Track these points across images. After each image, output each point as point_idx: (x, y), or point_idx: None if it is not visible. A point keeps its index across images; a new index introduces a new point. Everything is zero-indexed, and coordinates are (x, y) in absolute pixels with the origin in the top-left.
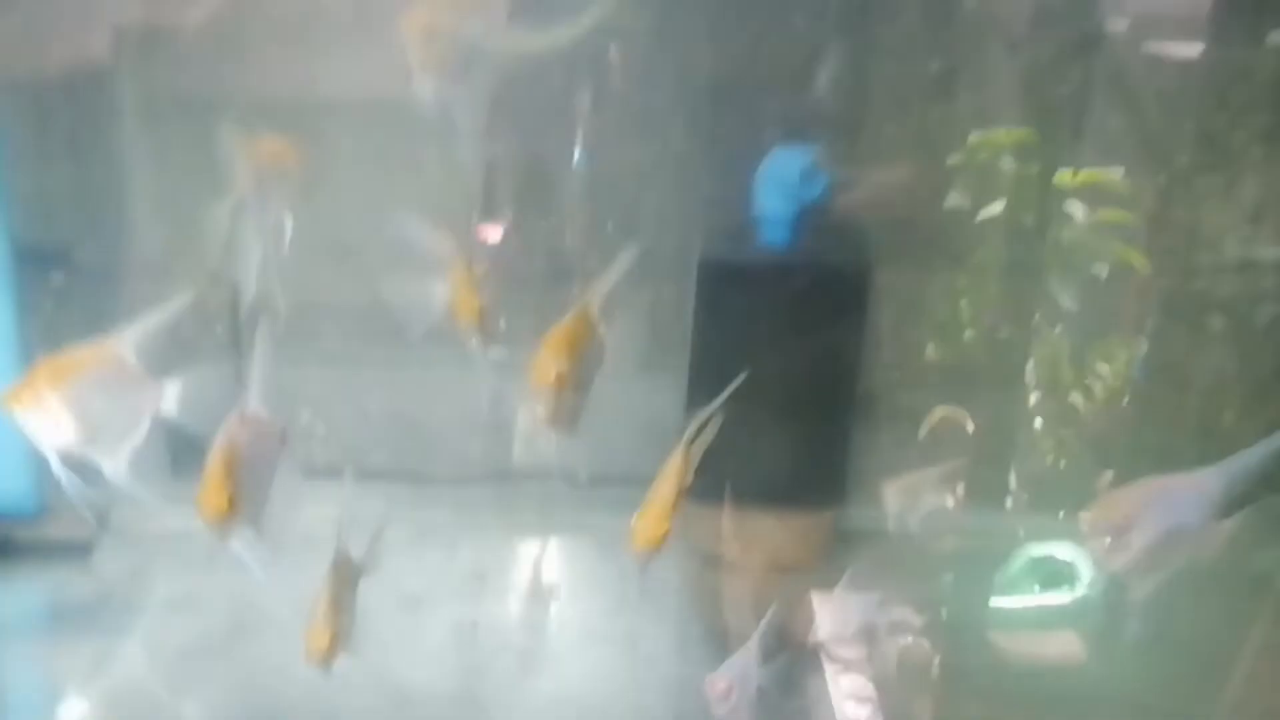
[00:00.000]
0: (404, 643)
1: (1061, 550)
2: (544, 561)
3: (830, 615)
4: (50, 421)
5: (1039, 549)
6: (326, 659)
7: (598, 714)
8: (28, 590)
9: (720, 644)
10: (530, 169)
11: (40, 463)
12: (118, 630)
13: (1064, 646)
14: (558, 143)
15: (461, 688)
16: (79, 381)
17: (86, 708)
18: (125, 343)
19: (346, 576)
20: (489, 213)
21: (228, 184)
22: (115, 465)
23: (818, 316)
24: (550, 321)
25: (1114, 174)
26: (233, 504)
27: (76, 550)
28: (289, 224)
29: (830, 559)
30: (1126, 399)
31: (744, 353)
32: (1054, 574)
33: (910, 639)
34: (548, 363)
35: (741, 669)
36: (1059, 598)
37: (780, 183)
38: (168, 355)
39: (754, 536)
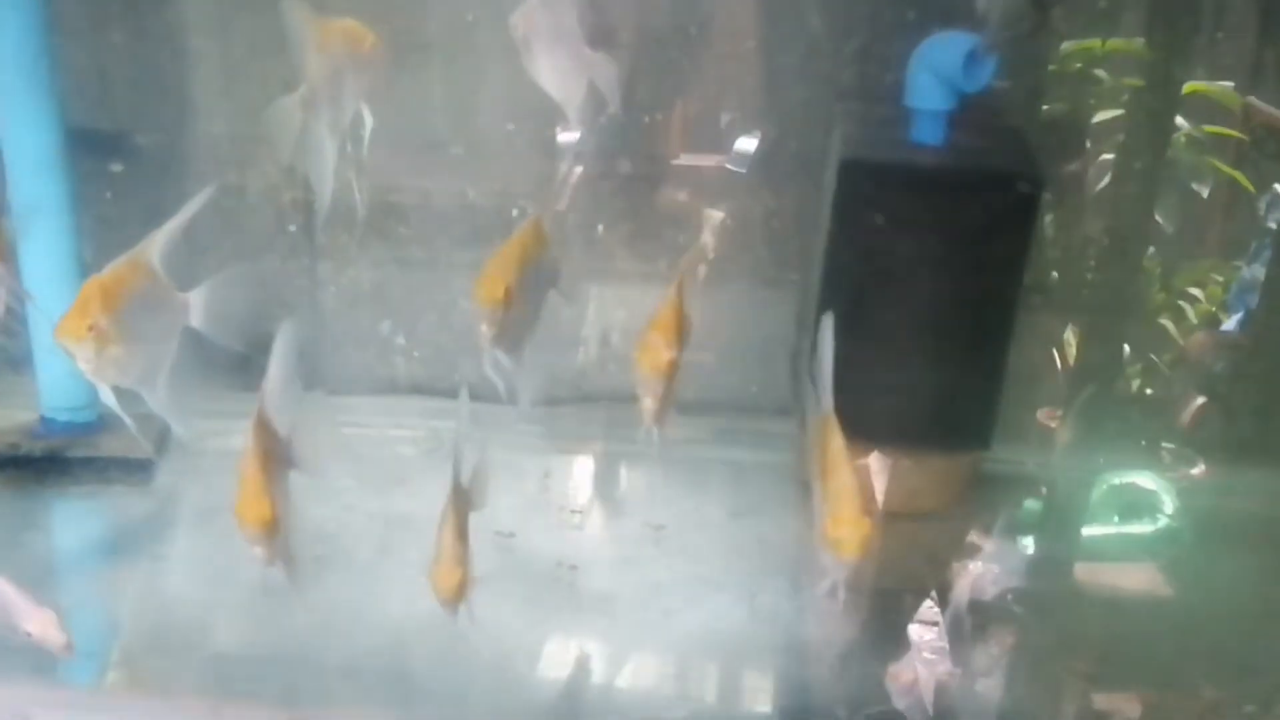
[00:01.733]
0: (495, 586)
1: (1144, 479)
2: (648, 498)
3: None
4: (102, 352)
5: (1121, 477)
6: (456, 599)
7: (718, 671)
8: (86, 509)
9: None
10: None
11: None
12: (177, 552)
13: (1144, 578)
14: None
15: (565, 641)
16: (126, 305)
17: (144, 629)
18: (153, 254)
19: (464, 507)
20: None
21: (298, 70)
22: (152, 389)
23: (975, 228)
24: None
25: (1224, 87)
26: None
27: (136, 467)
28: (368, 118)
29: (968, 505)
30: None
31: (885, 266)
32: (1136, 503)
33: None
34: (493, 280)
35: (928, 658)
36: (1140, 527)
37: (939, 70)
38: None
39: (888, 479)
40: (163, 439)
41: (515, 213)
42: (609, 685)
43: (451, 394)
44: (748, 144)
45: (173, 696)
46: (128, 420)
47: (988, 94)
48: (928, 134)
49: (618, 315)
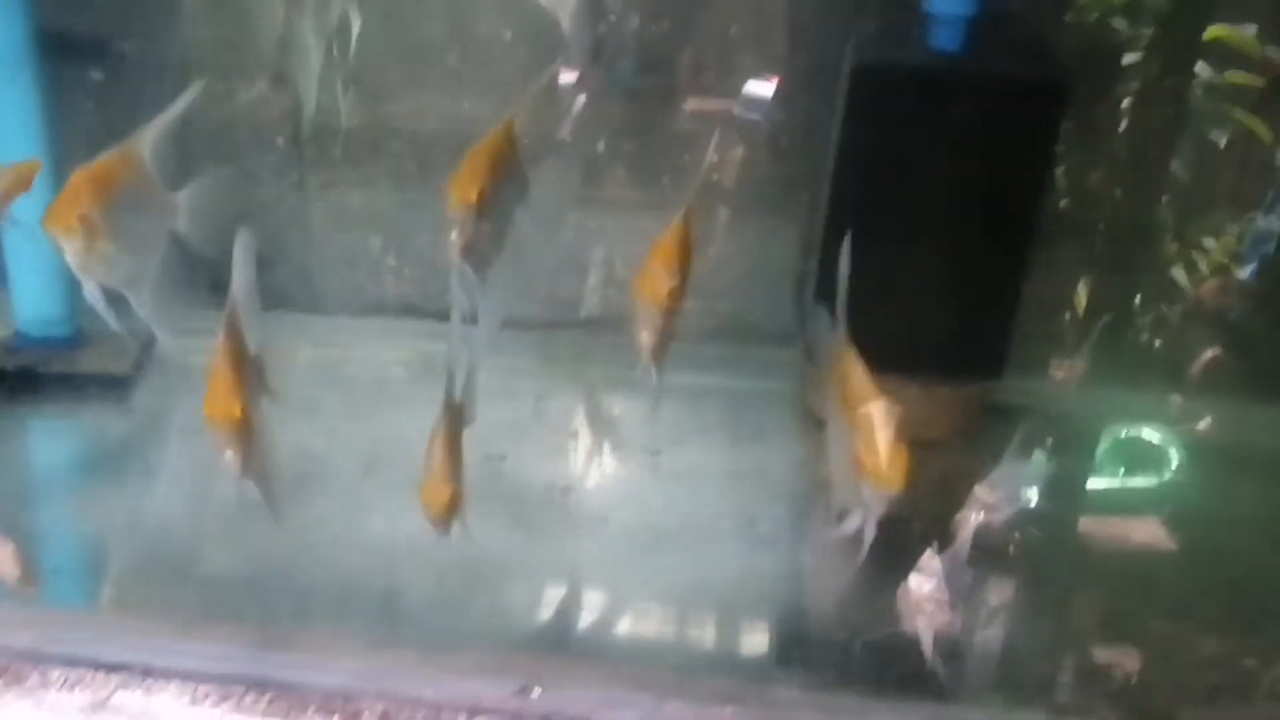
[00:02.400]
0: (488, 509)
1: (1150, 432)
2: (646, 422)
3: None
4: (92, 245)
5: (1126, 430)
6: (447, 518)
7: (721, 599)
8: (62, 428)
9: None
10: None
11: (74, 288)
12: (155, 472)
13: (1148, 532)
14: None
15: (558, 562)
16: (117, 198)
17: (124, 553)
18: (144, 149)
19: (458, 424)
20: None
21: None
22: (138, 291)
23: (995, 141)
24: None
25: (1246, 33)
26: None
27: (114, 384)
28: (355, 21)
29: (977, 434)
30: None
31: (899, 181)
32: (1141, 456)
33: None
34: (466, 182)
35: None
36: (1146, 481)
37: None
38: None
39: None
40: (141, 356)
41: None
42: (604, 609)
43: (443, 316)
44: (762, 88)
45: (142, 615)
46: (111, 321)
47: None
48: (947, 40)
49: (618, 238)
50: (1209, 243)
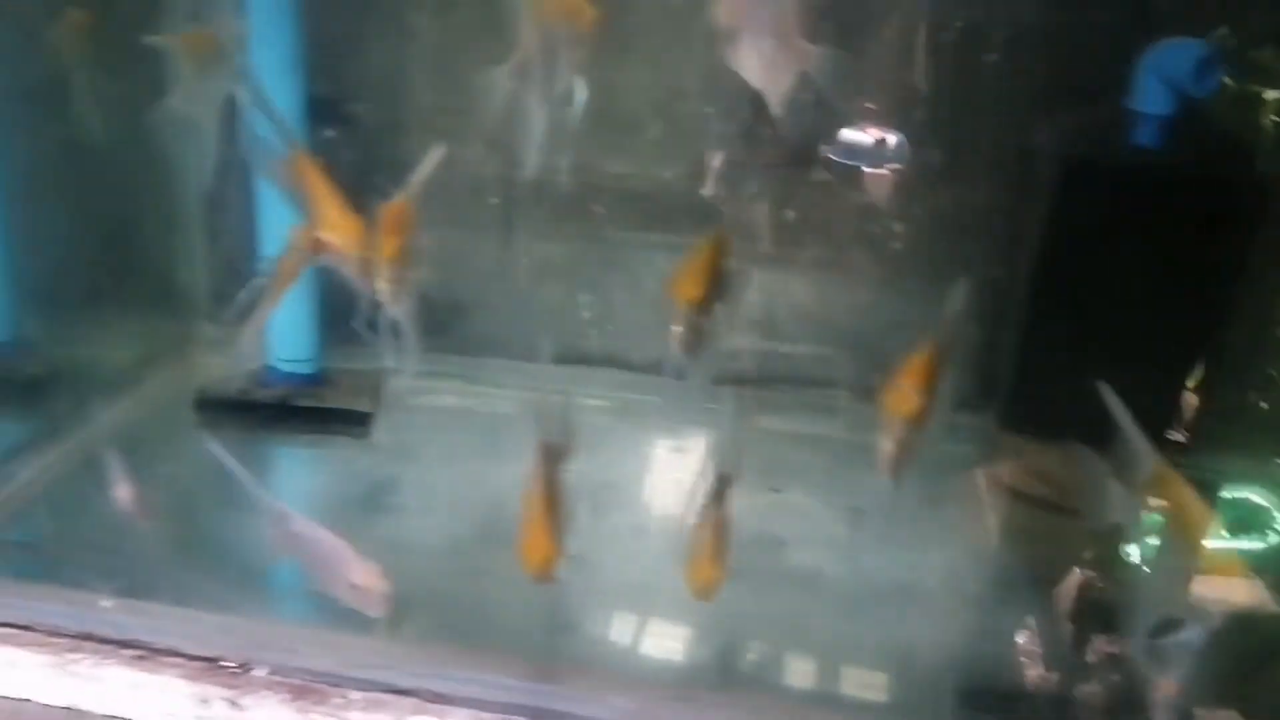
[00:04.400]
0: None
1: (1256, 494)
2: (846, 481)
3: None
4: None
5: (1232, 491)
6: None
7: (921, 661)
8: (311, 456)
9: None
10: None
11: (320, 329)
12: (416, 512)
13: (1251, 594)
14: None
15: (779, 618)
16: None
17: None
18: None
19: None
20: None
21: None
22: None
23: (1190, 234)
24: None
25: None
26: None
27: (356, 419)
28: (582, 92)
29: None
30: None
31: (1098, 268)
32: (1246, 518)
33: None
34: (689, 282)
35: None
36: (1250, 543)
37: (1167, 75)
38: None
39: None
40: (377, 395)
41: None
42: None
43: (642, 368)
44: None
45: (427, 644)
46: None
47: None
48: (1150, 137)
49: (804, 301)
50: None
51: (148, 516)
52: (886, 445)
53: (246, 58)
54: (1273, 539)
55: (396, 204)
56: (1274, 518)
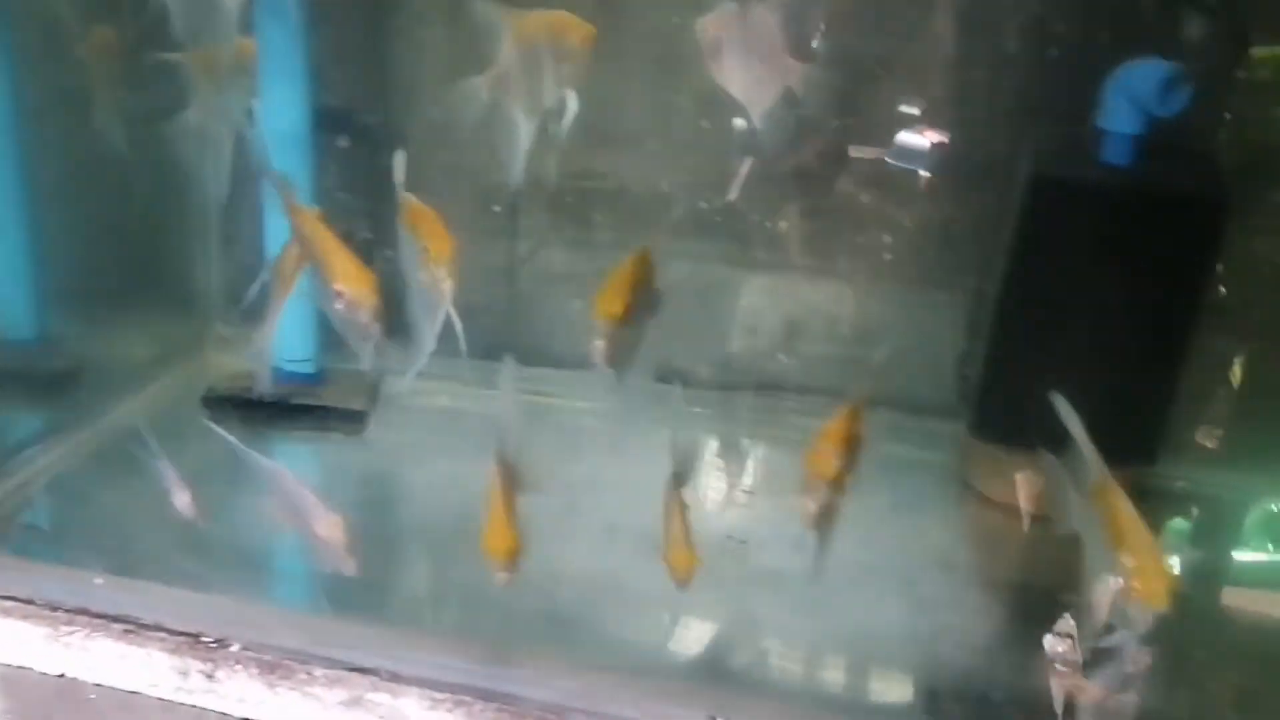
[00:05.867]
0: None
1: None
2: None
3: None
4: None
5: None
6: (688, 578)
7: (880, 656)
8: (309, 450)
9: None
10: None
11: (320, 331)
12: (401, 505)
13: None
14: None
15: (734, 611)
16: None
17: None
18: None
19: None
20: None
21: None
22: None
23: (1154, 249)
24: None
25: None
26: None
27: (352, 417)
28: (573, 105)
29: None
30: None
31: (1066, 279)
32: None
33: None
34: (610, 299)
35: (1119, 681)
36: None
37: (1133, 94)
38: None
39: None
40: (373, 394)
41: (703, 205)
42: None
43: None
44: (920, 142)
45: (389, 626)
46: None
47: (1178, 118)
48: (1118, 155)
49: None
50: None
51: (204, 519)
52: (809, 505)
53: (255, 74)
54: None
55: (427, 208)
56: None
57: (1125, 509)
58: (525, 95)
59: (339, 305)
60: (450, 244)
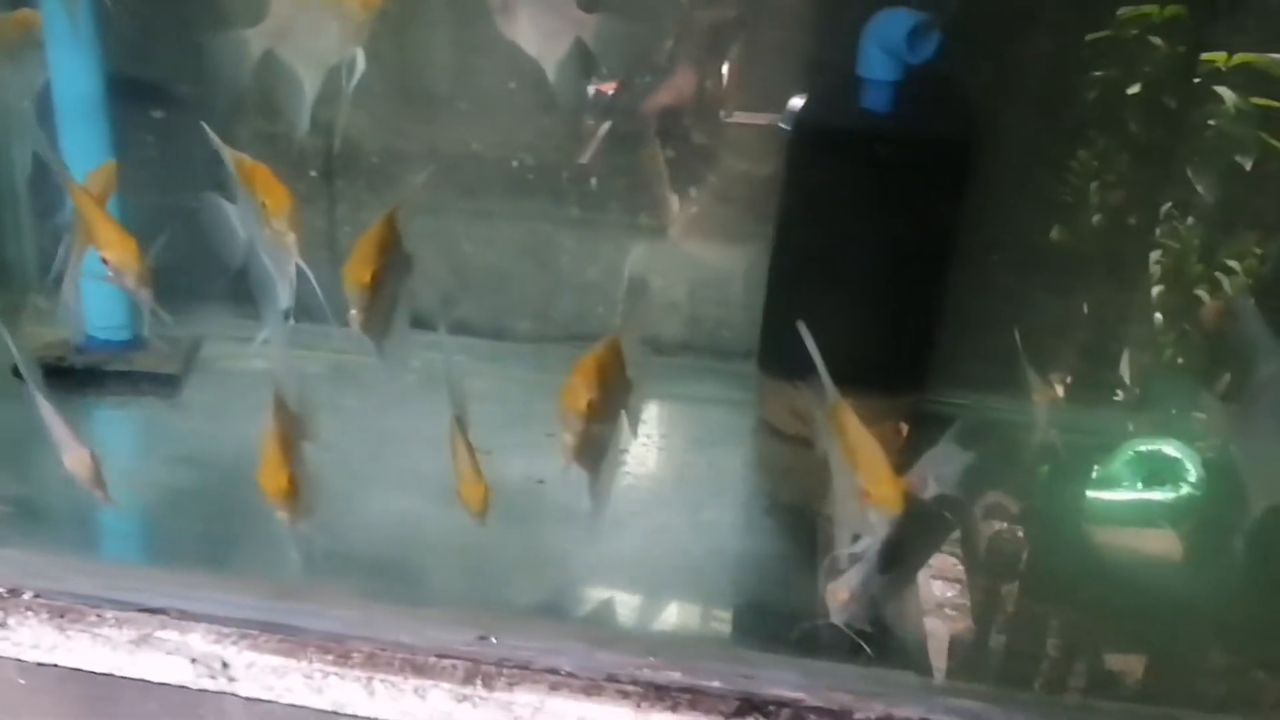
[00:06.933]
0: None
1: (1170, 446)
2: None
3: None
4: None
5: (1145, 444)
6: (484, 510)
7: (658, 577)
8: (120, 416)
9: (785, 519)
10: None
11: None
12: (202, 461)
13: (1162, 544)
14: None
15: (524, 543)
16: None
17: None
18: None
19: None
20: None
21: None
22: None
23: (912, 189)
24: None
25: (1275, 59)
26: None
27: (165, 381)
28: (361, 63)
29: (907, 443)
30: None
31: (831, 220)
32: (1159, 470)
33: (1003, 525)
34: (358, 266)
35: (862, 580)
36: (1162, 494)
37: (885, 44)
38: None
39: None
40: (188, 359)
41: (515, 164)
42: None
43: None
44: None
45: (178, 569)
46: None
47: (939, 66)
48: (876, 102)
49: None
50: (1234, 264)
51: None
52: (566, 438)
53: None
54: (1184, 490)
55: (258, 164)
56: (1184, 469)
57: (854, 427)
58: (305, 51)
59: (109, 272)
60: (287, 196)
